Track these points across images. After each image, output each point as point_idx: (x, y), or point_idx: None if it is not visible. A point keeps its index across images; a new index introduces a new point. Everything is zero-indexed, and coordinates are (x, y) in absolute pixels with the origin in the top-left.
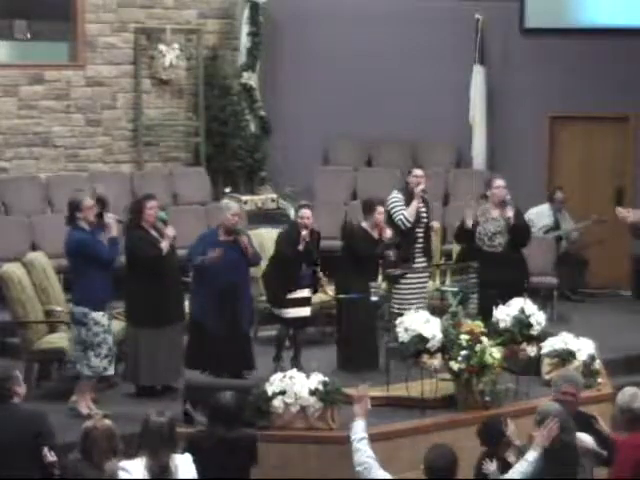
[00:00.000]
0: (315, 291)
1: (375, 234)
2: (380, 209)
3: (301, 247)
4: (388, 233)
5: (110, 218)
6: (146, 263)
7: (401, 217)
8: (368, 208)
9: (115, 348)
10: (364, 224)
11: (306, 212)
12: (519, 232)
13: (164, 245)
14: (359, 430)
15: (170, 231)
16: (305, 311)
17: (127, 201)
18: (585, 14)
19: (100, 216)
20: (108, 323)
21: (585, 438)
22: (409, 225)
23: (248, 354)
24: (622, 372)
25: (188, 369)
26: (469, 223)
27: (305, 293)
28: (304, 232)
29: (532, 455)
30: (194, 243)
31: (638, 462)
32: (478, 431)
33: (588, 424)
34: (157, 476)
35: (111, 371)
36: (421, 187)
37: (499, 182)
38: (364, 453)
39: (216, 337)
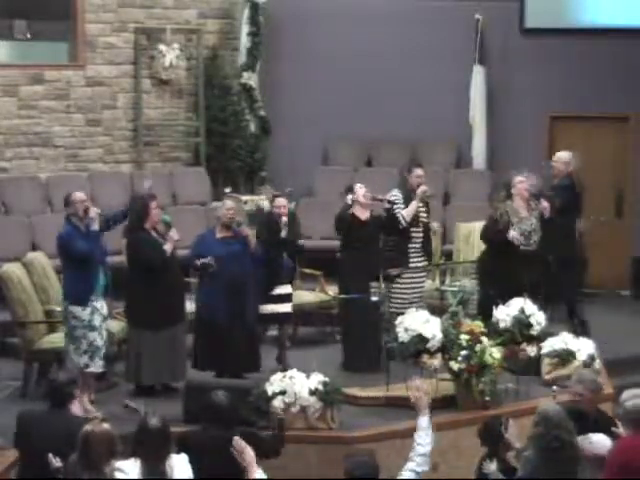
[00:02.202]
0: (290, 283)
1: (363, 215)
2: (359, 184)
3: (284, 233)
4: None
5: (93, 212)
6: (149, 265)
7: (398, 216)
8: (349, 192)
9: (103, 345)
10: (353, 210)
11: (281, 200)
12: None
13: (168, 247)
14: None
15: (175, 234)
16: (285, 307)
17: (127, 201)
18: (585, 14)
19: (87, 212)
20: (89, 319)
21: (600, 439)
22: (405, 225)
23: (255, 354)
24: (622, 372)
25: (195, 369)
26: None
27: (286, 289)
28: (284, 219)
29: (424, 421)
30: (193, 245)
31: (621, 466)
32: (479, 431)
33: (607, 426)
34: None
35: (94, 368)
36: (423, 189)
37: (520, 177)
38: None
39: (223, 333)
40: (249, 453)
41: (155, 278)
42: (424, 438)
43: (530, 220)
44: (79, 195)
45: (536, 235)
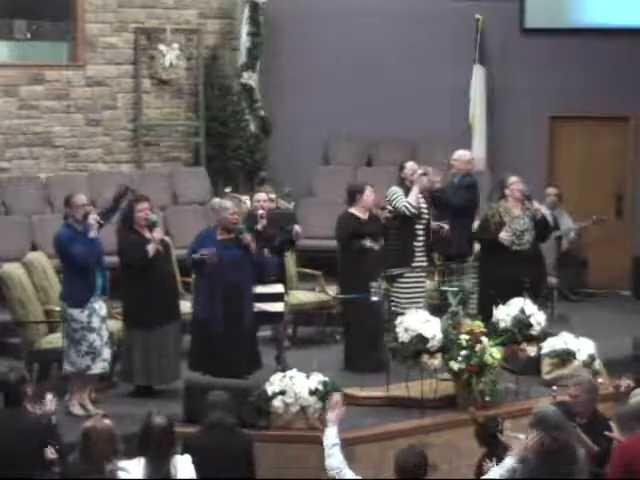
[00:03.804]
0: (284, 283)
1: (364, 216)
2: (370, 189)
3: (260, 226)
4: (387, 207)
5: (92, 219)
6: (131, 266)
7: (404, 204)
8: (359, 192)
9: (103, 346)
10: (352, 209)
11: (260, 195)
12: (546, 225)
13: (150, 248)
14: (332, 436)
15: (157, 234)
16: (276, 307)
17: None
18: (585, 14)
19: (86, 217)
20: (87, 320)
21: None
22: (413, 211)
23: (254, 354)
24: (622, 372)
25: (191, 371)
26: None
27: (276, 288)
28: (261, 211)
29: (509, 462)
30: (192, 243)
31: (627, 464)
32: (476, 432)
33: (600, 429)
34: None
35: (95, 370)
36: (420, 171)
37: (514, 178)
38: (337, 458)
39: (220, 338)
40: (338, 411)
41: (143, 277)
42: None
43: (522, 219)
44: (81, 199)
45: (528, 234)
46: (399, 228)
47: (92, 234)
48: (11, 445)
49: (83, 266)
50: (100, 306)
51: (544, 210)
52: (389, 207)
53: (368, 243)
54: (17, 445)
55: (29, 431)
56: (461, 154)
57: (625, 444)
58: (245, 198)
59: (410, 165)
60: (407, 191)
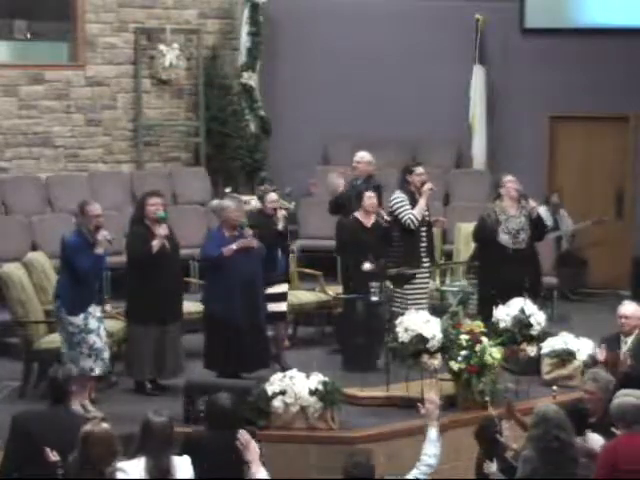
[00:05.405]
0: (288, 281)
1: (368, 222)
2: (369, 193)
3: (280, 227)
4: (382, 213)
5: (101, 236)
6: (137, 260)
7: (410, 216)
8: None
9: (104, 347)
10: (356, 214)
11: (272, 196)
12: (541, 223)
13: (154, 244)
14: None
15: (162, 230)
16: (280, 306)
17: (127, 201)
18: (585, 14)
19: (97, 230)
20: (84, 323)
21: (595, 438)
22: (417, 224)
23: (268, 351)
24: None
25: (209, 370)
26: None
27: (282, 288)
28: (282, 212)
29: (433, 433)
30: (206, 243)
31: (612, 464)
32: (475, 433)
33: (609, 426)
34: (157, 477)
35: (98, 371)
36: (429, 186)
37: (509, 177)
38: None
39: (238, 334)
40: (254, 448)
41: (149, 275)
42: (432, 450)
43: (519, 218)
44: (95, 209)
45: (524, 233)
46: (403, 232)
47: (99, 251)
48: (56, 445)
49: (82, 278)
50: (93, 308)
51: (542, 209)
52: (387, 218)
53: (367, 266)
54: (62, 445)
55: (75, 431)
56: (362, 156)
57: (609, 445)
58: (248, 198)
59: (419, 171)
60: (410, 197)
